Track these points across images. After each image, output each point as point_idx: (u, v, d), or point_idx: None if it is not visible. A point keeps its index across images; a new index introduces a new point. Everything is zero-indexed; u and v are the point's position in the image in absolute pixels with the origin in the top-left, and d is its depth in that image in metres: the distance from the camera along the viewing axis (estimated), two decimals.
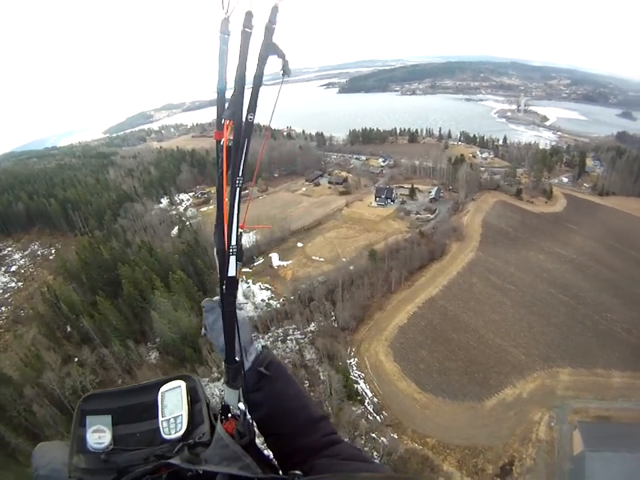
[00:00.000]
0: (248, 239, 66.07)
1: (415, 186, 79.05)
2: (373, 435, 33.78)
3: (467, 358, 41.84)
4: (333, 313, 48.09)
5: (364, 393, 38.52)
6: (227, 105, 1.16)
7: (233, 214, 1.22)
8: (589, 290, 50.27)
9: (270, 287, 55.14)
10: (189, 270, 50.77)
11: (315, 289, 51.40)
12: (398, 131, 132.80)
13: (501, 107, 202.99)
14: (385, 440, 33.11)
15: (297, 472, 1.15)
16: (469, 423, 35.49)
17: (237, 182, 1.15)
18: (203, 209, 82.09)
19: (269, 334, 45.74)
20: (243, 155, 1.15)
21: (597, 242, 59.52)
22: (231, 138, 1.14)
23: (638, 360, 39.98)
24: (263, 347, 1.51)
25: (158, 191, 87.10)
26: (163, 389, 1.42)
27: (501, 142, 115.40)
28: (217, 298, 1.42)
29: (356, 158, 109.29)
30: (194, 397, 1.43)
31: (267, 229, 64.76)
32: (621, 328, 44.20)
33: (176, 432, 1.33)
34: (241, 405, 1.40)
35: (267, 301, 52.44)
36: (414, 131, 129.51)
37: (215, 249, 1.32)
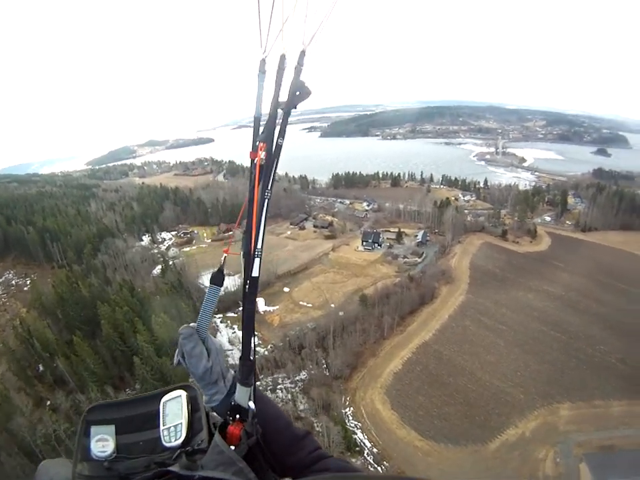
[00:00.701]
0: (232, 283, 71.34)
1: (401, 230, 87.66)
2: None
3: (465, 401, 45.88)
4: (324, 361, 51.79)
5: (362, 444, 41.26)
6: (260, 130, 1.52)
7: (260, 222, 1.54)
8: (580, 324, 56.87)
9: (257, 334, 57.78)
10: (172, 313, 52.64)
11: (304, 335, 55.49)
12: (380, 175, 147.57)
13: (479, 149, 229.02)
14: None
15: None
16: (474, 467, 38.63)
17: (267, 195, 1.47)
18: (185, 249, 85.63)
19: (258, 383, 47.86)
20: (272, 172, 1.49)
21: (584, 277, 67.73)
22: (263, 158, 1.49)
23: (633, 388, 45.38)
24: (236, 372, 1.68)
25: (140, 228, 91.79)
26: (164, 398, 1.67)
27: (482, 184, 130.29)
28: (193, 324, 1.68)
29: (340, 202, 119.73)
30: (194, 406, 1.67)
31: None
32: (615, 358, 50.13)
33: (176, 439, 1.55)
34: (251, 404, 1.55)
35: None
36: (396, 175, 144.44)
37: (241, 252, 1.65)
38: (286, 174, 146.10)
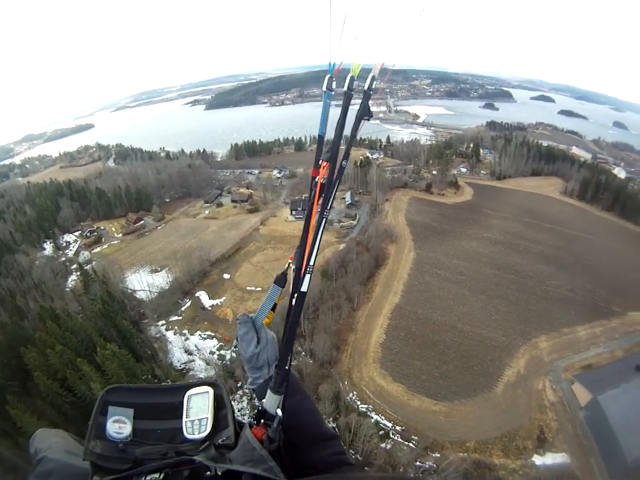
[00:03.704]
0: (163, 279, 68.15)
1: None
2: (417, 463, 37.67)
3: (459, 355, 50.48)
4: (302, 348, 49.80)
5: (383, 426, 41.85)
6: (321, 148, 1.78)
7: (316, 239, 1.74)
8: (527, 264, 67.89)
9: (213, 334, 55.90)
10: (111, 335, 48.38)
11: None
12: (282, 141, 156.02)
13: (371, 109, 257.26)
14: (431, 463, 37.62)
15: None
16: (492, 413, 43.54)
17: (326, 213, 1.70)
18: (96, 250, 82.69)
19: (239, 392, 44.11)
20: (333, 193, 1.71)
21: (514, 221, 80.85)
22: (325, 177, 1.71)
23: (588, 312, 57.25)
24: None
25: (38, 235, 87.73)
26: (190, 392, 1.88)
27: (384, 142, 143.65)
28: (252, 314, 2.03)
29: (248, 172, 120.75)
30: (220, 404, 1.87)
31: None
32: (565, 290, 61.82)
33: (199, 433, 1.76)
34: (279, 411, 1.81)
35: (217, 352, 52.90)
36: (298, 139, 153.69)
37: (292, 266, 1.88)
38: (182, 150, 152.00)
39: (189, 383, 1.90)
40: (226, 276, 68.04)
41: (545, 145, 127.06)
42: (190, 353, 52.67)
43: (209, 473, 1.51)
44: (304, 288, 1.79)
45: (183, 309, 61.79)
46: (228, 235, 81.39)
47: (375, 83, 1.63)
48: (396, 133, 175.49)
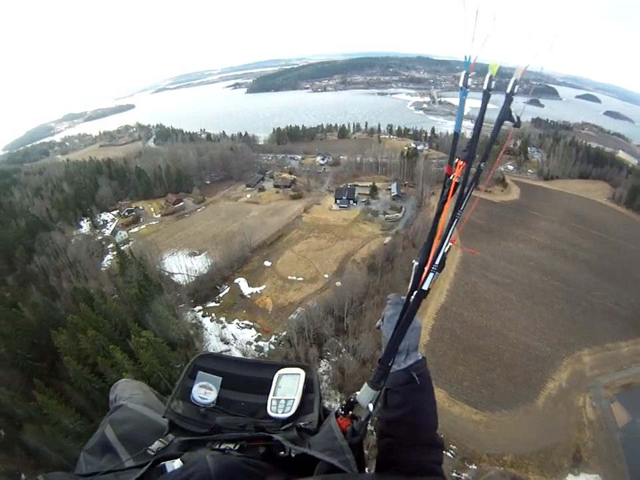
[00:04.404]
0: (202, 263, 67.46)
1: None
2: (454, 474, 39.60)
3: (503, 363, 52.22)
4: (344, 345, 52.15)
5: None
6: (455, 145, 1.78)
7: (445, 238, 1.73)
8: (573, 272, 68.26)
9: (252, 324, 55.75)
10: (146, 320, 48.04)
11: (309, 318, 54.06)
12: (325, 127, 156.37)
13: (414, 99, 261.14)
14: (467, 476, 39.73)
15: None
16: (531, 427, 44.95)
17: (458, 213, 1.67)
18: (133, 230, 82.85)
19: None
20: (468, 194, 1.67)
21: (562, 225, 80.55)
22: (459, 176, 1.67)
23: (631, 327, 57.70)
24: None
25: (75, 213, 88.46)
26: (281, 371, 1.99)
27: (429, 133, 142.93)
28: (403, 297, 1.96)
29: (291, 157, 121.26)
30: (308, 388, 1.97)
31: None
32: (610, 302, 62.12)
33: (283, 412, 1.83)
34: (371, 406, 1.82)
35: (255, 343, 52.77)
36: (341, 126, 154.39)
37: (416, 263, 1.84)
38: (223, 132, 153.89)
39: (281, 362, 2.09)
40: (267, 263, 68.28)
41: (594, 147, 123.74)
42: (227, 342, 52.19)
43: (282, 453, 1.57)
44: (426, 286, 1.79)
45: (221, 295, 61.72)
46: (270, 220, 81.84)
47: (516, 86, 1.61)
48: (440, 125, 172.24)
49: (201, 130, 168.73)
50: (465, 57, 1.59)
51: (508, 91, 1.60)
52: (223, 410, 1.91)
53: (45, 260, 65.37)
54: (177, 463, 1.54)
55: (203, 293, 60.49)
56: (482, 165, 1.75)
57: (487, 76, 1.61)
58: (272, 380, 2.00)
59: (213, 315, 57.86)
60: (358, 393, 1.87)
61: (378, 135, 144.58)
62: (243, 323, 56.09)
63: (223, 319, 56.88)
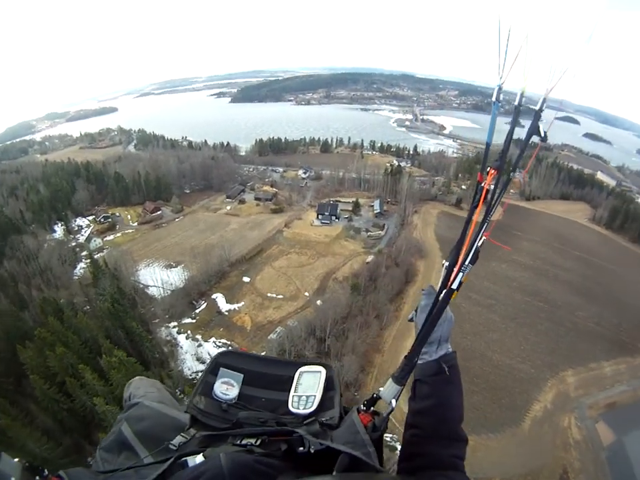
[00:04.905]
0: (179, 276, 66.46)
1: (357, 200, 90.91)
2: None
3: (488, 386, 52.10)
4: None
5: None
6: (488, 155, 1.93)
7: (475, 241, 1.85)
8: (556, 293, 69.33)
9: (229, 343, 54.55)
10: (118, 336, 46.60)
11: (290, 338, 52.80)
12: (308, 140, 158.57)
13: (397, 116, 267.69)
14: None
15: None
16: (517, 449, 44.92)
17: (487, 219, 1.81)
18: (109, 238, 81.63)
19: None
20: (497, 202, 1.83)
21: (544, 245, 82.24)
22: (491, 184, 1.80)
23: (614, 347, 58.90)
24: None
25: (50, 216, 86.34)
26: (302, 369, 2.07)
27: (412, 151, 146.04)
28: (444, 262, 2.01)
29: (273, 170, 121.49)
30: (329, 385, 2.02)
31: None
32: (593, 322, 63.24)
33: (304, 408, 1.89)
34: (394, 402, 1.89)
35: None
36: (324, 140, 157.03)
37: (446, 262, 1.95)
38: (205, 141, 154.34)
39: (302, 360, 2.36)
40: (246, 279, 67.12)
41: (575, 168, 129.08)
42: (203, 362, 50.78)
43: (301, 448, 1.58)
44: (454, 285, 1.87)
45: (197, 311, 60.66)
46: (249, 234, 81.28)
47: (545, 104, 1.74)
48: (422, 143, 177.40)
49: (183, 137, 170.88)
50: (499, 74, 1.70)
51: (537, 107, 1.75)
52: (244, 406, 1.95)
53: (14, 265, 64.04)
54: (198, 458, 1.56)
55: (178, 309, 59.01)
56: (512, 175, 1.90)
57: (518, 93, 1.75)
58: (293, 377, 2.05)
59: (189, 332, 56.56)
60: (382, 388, 1.93)
61: (361, 151, 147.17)
62: (220, 342, 54.82)
63: (199, 336, 55.69)
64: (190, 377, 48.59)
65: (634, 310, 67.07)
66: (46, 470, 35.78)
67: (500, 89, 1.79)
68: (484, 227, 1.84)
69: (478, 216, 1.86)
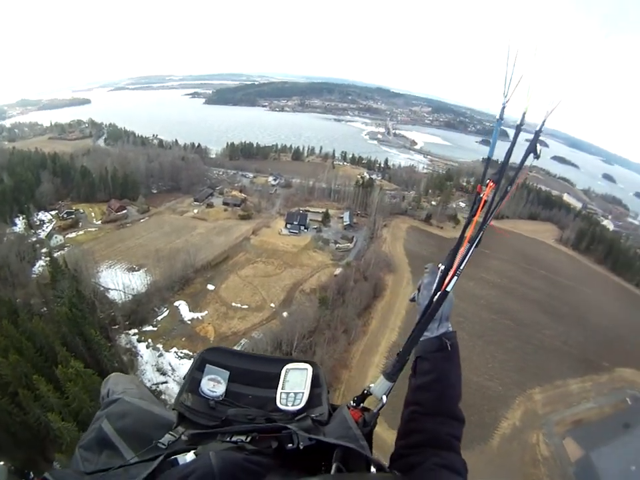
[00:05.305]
0: (141, 280, 64.39)
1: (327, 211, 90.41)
2: None
3: None
4: None
5: None
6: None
7: (471, 247, 1.89)
8: (523, 311, 70.35)
9: (191, 354, 52.55)
10: (76, 343, 44.07)
11: (255, 351, 51.43)
12: (279, 147, 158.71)
13: (369, 129, 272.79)
14: None
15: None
16: (487, 467, 44.13)
17: (484, 228, 1.87)
18: (71, 235, 79.14)
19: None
20: (493, 212, 1.87)
21: (512, 264, 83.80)
22: (488, 195, 1.87)
23: (580, 365, 60.20)
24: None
25: (12, 207, 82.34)
26: (289, 366, 2.06)
27: (382, 164, 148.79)
28: (440, 266, 2.04)
29: (242, 175, 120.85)
30: (315, 382, 2.02)
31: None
32: (559, 341, 64.42)
33: (293, 405, 1.89)
34: (384, 398, 1.94)
35: None
36: (295, 148, 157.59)
37: (442, 266, 2.00)
38: (176, 141, 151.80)
39: (288, 358, 2.14)
40: (210, 287, 65.55)
41: (544, 189, 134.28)
42: (163, 373, 49.42)
43: (290, 445, 1.55)
44: (449, 288, 1.91)
45: (159, 318, 58.59)
46: (216, 240, 79.78)
47: (543, 126, 1.84)
48: (393, 157, 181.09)
49: (154, 135, 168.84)
50: (504, 94, 1.81)
51: (537, 129, 1.86)
52: (231, 402, 1.95)
53: None
54: (189, 456, 1.56)
55: (139, 315, 56.56)
56: (508, 189, 1.95)
57: (522, 113, 1.82)
58: (279, 374, 2.02)
59: (150, 340, 54.13)
60: (372, 385, 1.99)
61: (332, 161, 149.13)
62: (182, 352, 52.70)
63: (160, 345, 53.38)
64: (151, 389, 45.95)
65: (599, 329, 69.16)
66: (32, 472, 34.66)
67: (504, 108, 1.88)
68: (480, 234, 1.89)
69: (474, 224, 1.92)
